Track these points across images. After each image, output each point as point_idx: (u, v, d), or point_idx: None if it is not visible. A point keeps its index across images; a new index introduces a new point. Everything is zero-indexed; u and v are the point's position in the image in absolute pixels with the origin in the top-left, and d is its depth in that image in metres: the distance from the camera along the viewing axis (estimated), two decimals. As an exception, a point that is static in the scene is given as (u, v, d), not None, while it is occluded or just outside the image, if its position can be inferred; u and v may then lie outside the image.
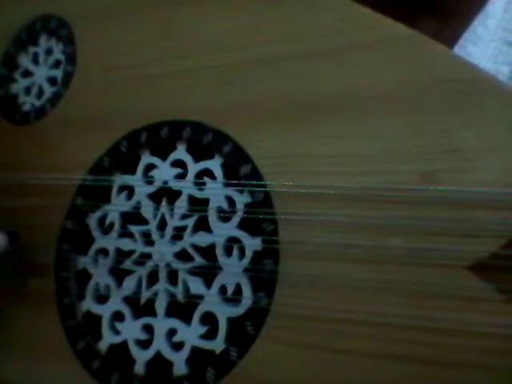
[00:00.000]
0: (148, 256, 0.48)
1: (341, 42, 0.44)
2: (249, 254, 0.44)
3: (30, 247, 0.53)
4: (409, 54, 0.42)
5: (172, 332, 0.46)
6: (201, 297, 0.45)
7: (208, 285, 0.45)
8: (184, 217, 0.47)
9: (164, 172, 0.49)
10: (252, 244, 0.44)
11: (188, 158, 0.48)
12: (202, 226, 0.46)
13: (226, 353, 0.43)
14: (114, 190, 0.51)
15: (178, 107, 0.50)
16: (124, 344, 0.48)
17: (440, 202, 0.38)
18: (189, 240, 0.46)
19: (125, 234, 0.50)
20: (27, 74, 0.61)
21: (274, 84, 0.46)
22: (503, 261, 0.35)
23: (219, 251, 0.45)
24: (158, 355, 0.46)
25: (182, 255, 0.47)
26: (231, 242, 0.45)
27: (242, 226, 0.45)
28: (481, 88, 0.39)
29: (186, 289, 0.46)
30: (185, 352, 0.45)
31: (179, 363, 0.45)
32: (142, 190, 0.50)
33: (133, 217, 0.50)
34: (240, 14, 0.49)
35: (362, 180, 0.40)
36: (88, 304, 0.50)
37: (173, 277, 0.47)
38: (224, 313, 0.44)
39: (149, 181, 0.50)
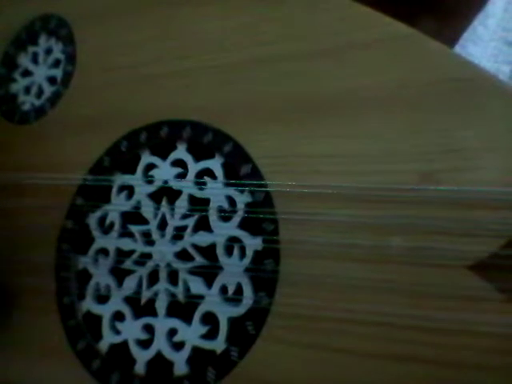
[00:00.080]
0: (148, 256, 0.48)
1: (341, 41, 0.44)
2: (249, 253, 0.44)
3: (30, 247, 0.53)
4: (409, 53, 0.42)
5: (172, 332, 0.46)
6: (201, 297, 0.45)
7: (209, 285, 0.45)
8: (184, 216, 0.47)
9: (164, 172, 0.49)
10: (253, 244, 0.44)
11: (188, 158, 0.48)
12: (203, 225, 0.46)
13: (226, 353, 0.43)
14: (114, 189, 0.51)
15: (178, 107, 0.50)
16: (124, 344, 0.48)
17: (440, 201, 0.38)
18: (189, 240, 0.46)
19: (125, 233, 0.50)
20: (27, 73, 0.61)
21: (274, 84, 0.46)
22: (503, 260, 0.35)
23: (220, 251, 0.45)
24: (159, 355, 0.46)
25: (183, 255, 0.47)
26: (232, 242, 0.45)
27: (242, 225, 0.45)
28: (481, 87, 0.39)
29: (187, 289, 0.46)
30: (185, 352, 0.45)
31: (180, 363, 0.45)
32: (142, 190, 0.50)
33: (133, 216, 0.50)
34: (240, 14, 0.49)
35: (362, 180, 0.40)
36: (88, 304, 0.50)
37: (173, 277, 0.47)
38: (225, 313, 0.44)
39: (149, 180, 0.50)
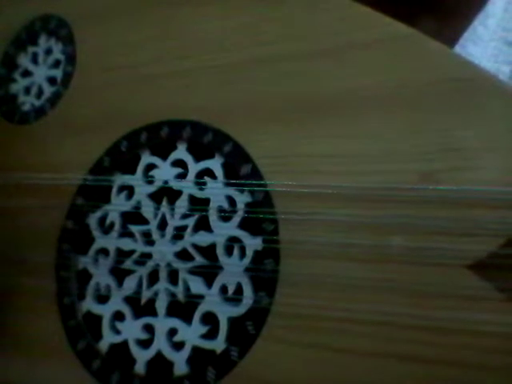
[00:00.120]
0: (148, 256, 0.48)
1: (341, 41, 0.44)
2: (249, 253, 0.44)
3: (30, 247, 0.53)
4: (409, 53, 0.42)
5: (172, 332, 0.46)
6: (201, 296, 0.45)
7: (209, 284, 0.45)
8: (184, 216, 0.47)
9: (164, 172, 0.49)
10: (253, 244, 0.44)
11: (188, 158, 0.48)
12: (203, 225, 0.46)
13: (226, 352, 0.43)
14: (114, 189, 0.51)
15: (178, 107, 0.50)
16: (124, 344, 0.48)
17: (440, 201, 0.38)
18: (189, 240, 0.46)
19: (125, 233, 0.50)
20: (27, 73, 0.61)
21: (274, 84, 0.46)
22: (502, 260, 0.35)
23: (220, 251, 0.45)
24: (159, 355, 0.46)
25: (183, 255, 0.47)
26: (232, 242, 0.45)
27: (242, 225, 0.45)
28: (481, 87, 0.39)
29: (187, 288, 0.46)
30: (185, 352, 0.45)
31: (180, 363, 0.45)
32: (143, 190, 0.50)
33: (133, 216, 0.50)
34: (240, 14, 0.49)
35: (361, 179, 0.40)
36: (88, 304, 0.50)
37: (173, 276, 0.47)
38: (225, 312, 0.44)
39: (149, 180, 0.50)
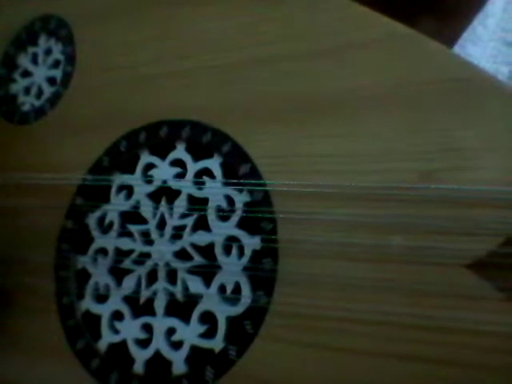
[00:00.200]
0: (147, 255, 0.48)
1: (340, 41, 0.44)
2: (248, 252, 0.44)
3: (30, 247, 0.53)
4: (408, 53, 0.42)
5: (171, 331, 0.46)
6: (200, 296, 0.45)
7: (207, 284, 0.45)
8: (183, 216, 0.47)
9: (163, 171, 0.49)
10: (251, 243, 0.44)
11: (187, 158, 0.48)
12: (202, 225, 0.46)
13: (225, 352, 0.43)
14: (114, 189, 0.51)
15: (178, 107, 0.50)
16: (123, 343, 0.48)
17: (439, 200, 0.38)
18: (188, 239, 0.46)
19: (124, 233, 0.50)
20: (26, 74, 0.61)
21: (274, 84, 0.46)
22: (502, 259, 0.35)
23: (218, 250, 0.45)
24: (157, 354, 0.46)
25: (182, 254, 0.47)
26: (230, 241, 0.45)
27: (241, 225, 0.45)
28: (480, 87, 0.39)
29: (185, 288, 0.46)
30: (184, 351, 0.45)
31: (178, 362, 0.45)
32: (142, 190, 0.50)
33: (132, 216, 0.50)
34: (240, 14, 0.49)
35: (361, 179, 0.40)
36: (87, 303, 0.50)
37: (172, 276, 0.47)
38: (223, 312, 0.44)
39: (148, 180, 0.50)
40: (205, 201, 0.47)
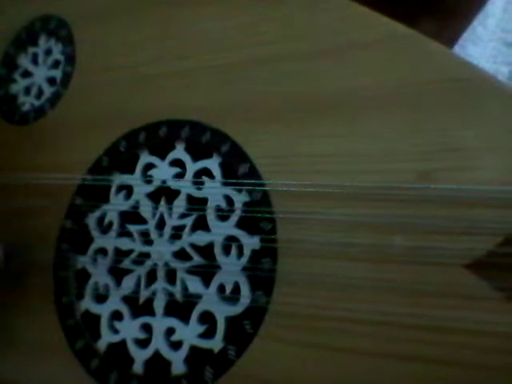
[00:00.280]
0: (147, 255, 0.48)
1: (340, 41, 0.44)
2: (247, 252, 0.44)
3: (29, 247, 0.53)
4: (408, 53, 0.42)
5: (170, 331, 0.46)
6: (199, 296, 0.45)
7: (206, 284, 0.45)
8: (182, 216, 0.47)
9: (163, 171, 0.49)
10: (250, 243, 0.44)
11: (186, 158, 0.48)
12: (201, 225, 0.46)
13: (224, 352, 0.43)
14: (113, 189, 0.51)
15: (178, 107, 0.50)
16: (123, 343, 0.48)
17: (439, 200, 0.38)
18: (187, 239, 0.46)
19: (123, 233, 0.50)
20: (27, 74, 0.61)
21: (274, 84, 0.46)
22: (501, 258, 0.35)
23: (217, 250, 0.45)
24: (157, 354, 0.46)
25: (181, 254, 0.47)
26: (229, 241, 0.45)
27: (240, 224, 0.45)
28: (480, 87, 0.39)
29: (185, 288, 0.46)
30: (183, 351, 0.45)
31: (177, 362, 0.45)
32: (141, 190, 0.50)
33: (131, 216, 0.50)
34: (240, 14, 0.50)
35: (361, 179, 0.40)
36: (87, 303, 0.50)
37: (171, 276, 0.47)
38: (222, 312, 0.44)
39: (147, 180, 0.50)
40: (204, 201, 0.46)
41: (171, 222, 0.48)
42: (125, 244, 0.49)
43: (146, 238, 0.48)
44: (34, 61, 0.61)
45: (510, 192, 0.36)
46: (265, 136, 0.45)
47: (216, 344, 0.43)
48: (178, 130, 0.49)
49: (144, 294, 0.48)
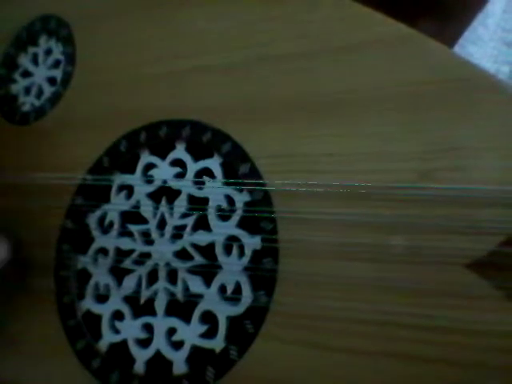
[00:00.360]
0: (148, 255, 0.48)
1: (341, 41, 0.44)
2: (248, 252, 0.44)
3: (29, 247, 0.53)
4: (409, 53, 0.42)
5: (172, 331, 0.46)
6: (200, 296, 0.45)
7: (207, 284, 0.45)
8: (183, 216, 0.47)
9: (163, 171, 0.49)
10: (251, 243, 0.44)
11: (187, 157, 0.48)
12: (202, 224, 0.46)
13: (225, 352, 0.43)
14: (114, 189, 0.51)
15: (178, 107, 0.50)
16: (124, 343, 0.48)
17: (439, 199, 0.38)
18: (188, 239, 0.46)
19: (124, 233, 0.50)
20: (27, 74, 0.61)
21: (274, 83, 0.46)
22: (501, 258, 0.35)
23: (219, 250, 0.45)
24: (158, 354, 0.46)
25: (182, 254, 0.47)
26: (231, 241, 0.45)
27: (241, 224, 0.45)
28: (480, 87, 0.39)
29: (186, 288, 0.46)
30: (184, 351, 0.45)
31: (179, 362, 0.45)
32: (142, 190, 0.50)
33: (132, 216, 0.50)
34: (240, 14, 0.49)
35: (361, 179, 0.40)
36: (88, 303, 0.50)
37: (172, 276, 0.47)
38: (224, 312, 0.44)
39: (148, 180, 0.50)
40: (205, 200, 0.47)
41: (172, 221, 0.48)
42: (126, 244, 0.49)
43: (147, 238, 0.48)
44: (35, 61, 0.61)
45: (510, 192, 0.36)
46: (264, 136, 0.45)
47: (217, 344, 0.43)
48: (178, 129, 0.49)
49: (145, 294, 0.48)
